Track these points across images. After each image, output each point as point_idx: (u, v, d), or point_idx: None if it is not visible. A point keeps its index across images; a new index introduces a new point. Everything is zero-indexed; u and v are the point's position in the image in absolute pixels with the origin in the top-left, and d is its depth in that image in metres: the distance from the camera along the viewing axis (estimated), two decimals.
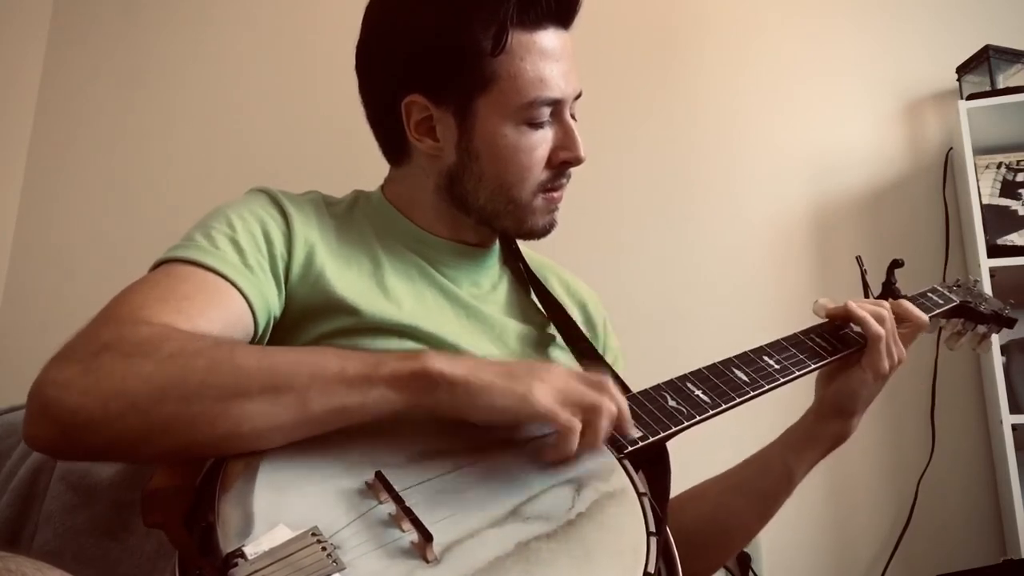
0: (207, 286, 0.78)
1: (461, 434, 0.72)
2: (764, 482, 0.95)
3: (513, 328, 0.95)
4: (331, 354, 0.68)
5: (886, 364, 0.92)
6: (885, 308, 0.94)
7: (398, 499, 0.63)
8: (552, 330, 0.99)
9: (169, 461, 0.65)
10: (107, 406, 0.63)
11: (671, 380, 0.83)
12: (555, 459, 0.69)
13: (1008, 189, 1.85)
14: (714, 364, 0.87)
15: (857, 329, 0.96)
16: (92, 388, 0.64)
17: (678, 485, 0.90)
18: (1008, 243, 1.78)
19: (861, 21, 2.14)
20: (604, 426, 0.69)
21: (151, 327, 0.69)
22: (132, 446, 0.65)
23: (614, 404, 0.70)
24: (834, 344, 0.94)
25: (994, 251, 1.75)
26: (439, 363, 0.67)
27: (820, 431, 0.94)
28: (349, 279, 0.88)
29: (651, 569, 0.64)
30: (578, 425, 0.67)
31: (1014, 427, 1.63)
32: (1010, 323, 1.12)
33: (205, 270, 0.79)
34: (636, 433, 0.75)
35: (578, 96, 0.92)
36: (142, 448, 0.65)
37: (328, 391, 0.65)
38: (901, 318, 0.96)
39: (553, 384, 0.68)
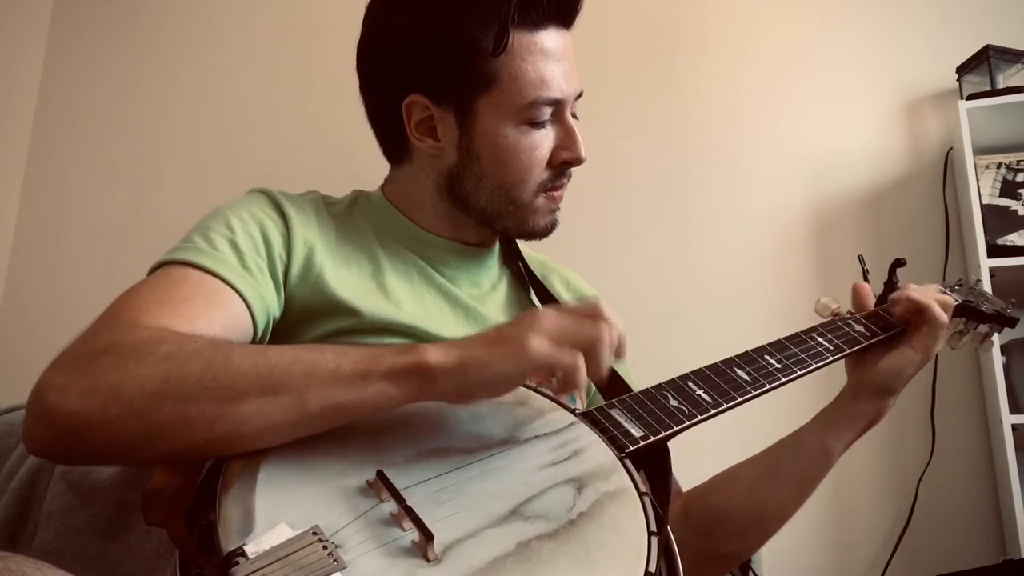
0: (206, 289, 0.78)
1: (462, 433, 0.72)
2: (800, 464, 0.94)
3: None
4: (327, 351, 0.68)
5: (938, 346, 0.94)
6: (950, 298, 0.97)
7: (399, 498, 0.63)
8: None
9: (168, 463, 0.65)
10: (105, 409, 0.63)
11: (672, 379, 0.83)
12: (566, 393, 0.71)
13: (1008, 189, 1.85)
14: (715, 363, 0.87)
15: (859, 328, 0.96)
16: (90, 391, 0.64)
17: (681, 484, 0.91)
18: (1008, 243, 1.78)
19: (861, 21, 2.14)
20: (606, 355, 0.69)
21: (148, 330, 0.69)
22: (131, 449, 0.65)
23: (612, 330, 0.70)
24: (836, 343, 0.94)
25: (994, 251, 1.75)
26: (434, 354, 0.67)
27: (858, 410, 0.94)
28: (349, 280, 0.88)
29: (652, 568, 0.64)
30: (581, 362, 0.67)
31: (1014, 427, 1.63)
32: (1012, 322, 1.12)
33: (204, 272, 0.78)
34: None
35: (579, 96, 0.92)
36: (141, 451, 0.65)
37: (325, 389, 0.65)
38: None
39: (545, 330, 0.67)
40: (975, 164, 1.84)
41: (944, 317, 0.93)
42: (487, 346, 0.67)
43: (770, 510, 0.94)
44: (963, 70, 1.95)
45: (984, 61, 1.89)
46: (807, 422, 0.97)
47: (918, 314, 0.94)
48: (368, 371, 0.66)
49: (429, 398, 0.67)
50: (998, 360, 1.68)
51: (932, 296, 0.95)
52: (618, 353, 0.71)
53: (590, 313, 0.70)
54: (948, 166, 2.00)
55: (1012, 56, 1.89)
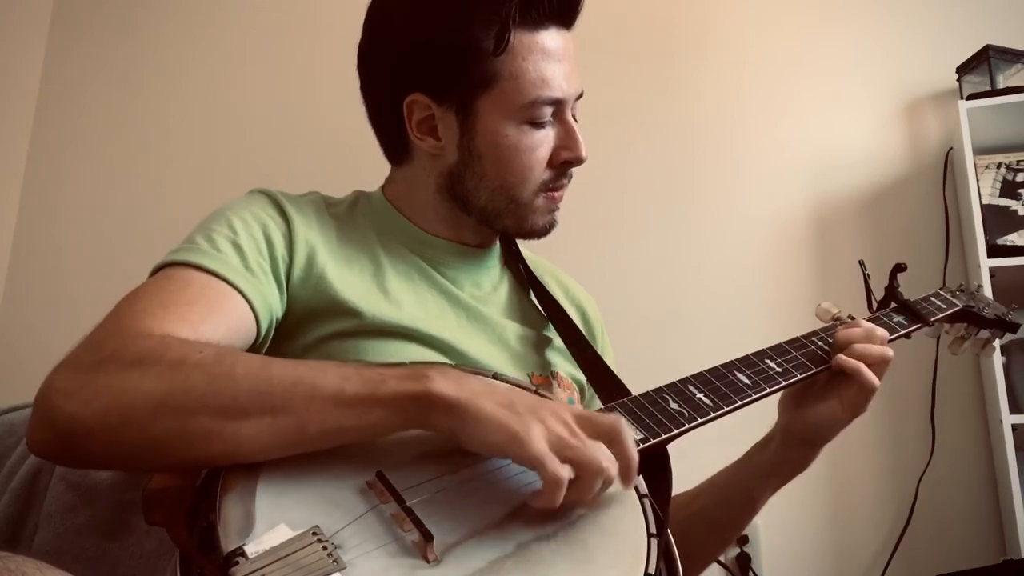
0: (209, 290, 0.78)
1: None
2: (727, 511, 0.95)
3: (513, 330, 0.95)
4: (331, 372, 0.66)
5: (865, 408, 0.89)
6: (889, 353, 0.89)
7: (399, 499, 0.63)
8: (551, 332, 0.99)
9: (166, 471, 0.65)
10: (106, 417, 0.63)
11: (672, 383, 0.83)
12: (538, 508, 0.63)
13: (1008, 189, 1.85)
14: (716, 367, 0.87)
15: None
16: (92, 398, 0.64)
17: (679, 487, 0.91)
18: (1008, 243, 1.78)
19: (861, 22, 2.14)
20: (595, 487, 0.64)
21: (152, 338, 0.69)
22: (130, 457, 0.65)
23: (615, 463, 0.65)
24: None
25: (994, 251, 1.75)
26: (442, 385, 0.64)
27: (785, 456, 0.92)
28: (350, 281, 0.88)
29: (652, 570, 0.64)
30: (565, 479, 0.62)
31: (1014, 427, 1.63)
32: (1013, 328, 1.11)
33: (207, 274, 0.78)
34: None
35: (579, 96, 0.92)
36: (140, 459, 0.65)
37: (326, 413, 0.64)
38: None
39: (552, 428, 0.64)
40: (975, 164, 1.84)
41: (873, 381, 0.86)
42: (495, 405, 0.64)
43: (696, 552, 0.94)
44: (963, 70, 1.95)
45: (984, 61, 1.89)
46: (735, 463, 0.96)
47: (850, 375, 0.87)
48: (371, 397, 0.65)
49: (423, 427, 0.65)
50: (998, 360, 1.68)
51: (872, 349, 0.88)
52: (624, 480, 0.66)
53: (606, 435, 0.66)
54: (948, 166, 2.00)
55: (1012, 56, 1.89)
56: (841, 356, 0.88)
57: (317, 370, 0.67)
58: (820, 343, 0.93)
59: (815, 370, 0.90)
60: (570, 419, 0.66)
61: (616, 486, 0.70)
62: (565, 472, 0.62)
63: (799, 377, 0.89)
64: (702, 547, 0.96)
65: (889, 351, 0.89)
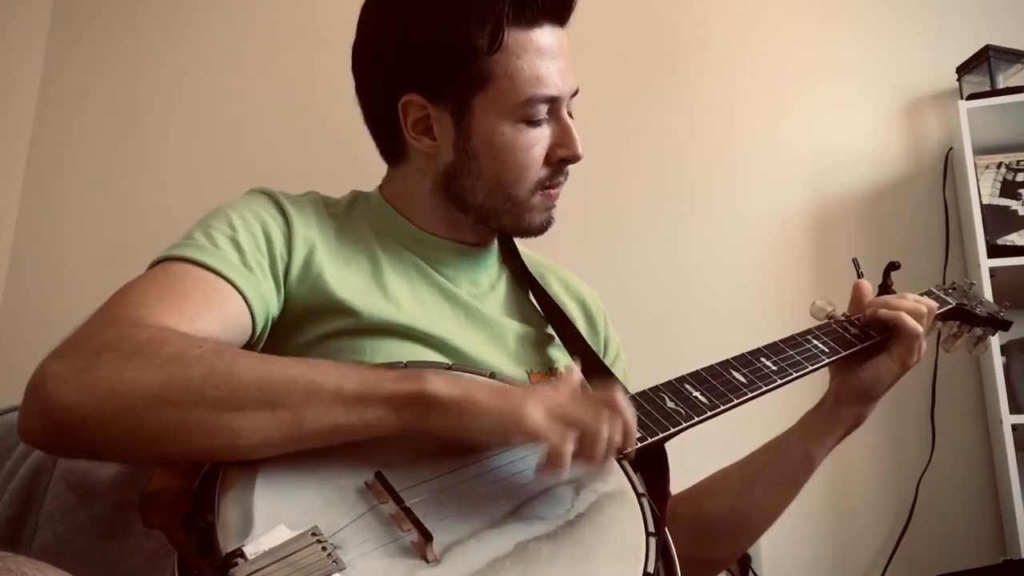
0: (206, 285, 0.78)
1: None
2: (785, 470, 0.95)
3: (511, 328, 0.95)
4: (331, 370, 0.67)
5: (914, 358, 0.94)
6: (927, 305, 0.96)
7: (398, 499, 0.63)
8: (550, 330, 0.99)
9: (162, 465, 0.65)
10: (103, 407, 0.63)
11: (669, 381, 0.83)
12: (545, 474, 0.67)
13: (1008, 189, 1.85)
14: (712, 366, 0.87)
15: (854, 331, 0.96)
16: (89, 387, 0.64)
17: (677, 485, 0.91)
18: (1008, 243, 1.78)
19: (861, 22, 2.14)
20: (600, 451, 0.66)
21: (150, 329, 0.69)
22: (125, 448, 0.65)
23: (615, 428, 0.67)
24: (831, 346, 0.94)
25: (994, 251, 1.75)
26: (436, 385, 0.66)
27: (839, 415, 0.95)
28: (348, 279, 0.88)
29: (650, 569, 0.64)
30: (568, 445, 0.65)
31: (1014, 427, 1.63)
32: (1006, 325, 1.12)
33: (204, 269, 0.78)
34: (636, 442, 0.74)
35: (575, 93, 0.92)
36: (135, 451, 0.65)
37: (324, 410, 0.64)
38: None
39: (547, 403, 0.66)
40: (975, 164, 1.84)
41: (915, 326, 0.93)
42: (489, 395, 0.66)
43: (755, 515, 0.95)
44: (963, 70, 1.95)
45: (984, 61, 1.89)
46: (791, 427, 0.97)
47: (890, 327, 0.94)
48: (369, 395, 0.65)
49: (422, 429, 0.66)
50: (998, 360, 1.68)
51: (906, 305, 0.94)
52: (623, 446, 0.69)
53: (601, 401, 0.69)
54: (948, 166, 2.00)
55: (1012, 56, 1.90)
56: (881, 311, 0.94)
57: (316, 368, 0.68)
58: (815, 341, 0.94)
59: (810, 368, 0.91)
60: (567, 392, 0.69)
61: (616, 485, 0.71)
62: (567, 439, 0.65)
63: (794, 375, 0.89)
64: (762, 508, 0.96)
65: (921, 304, 0.95)
